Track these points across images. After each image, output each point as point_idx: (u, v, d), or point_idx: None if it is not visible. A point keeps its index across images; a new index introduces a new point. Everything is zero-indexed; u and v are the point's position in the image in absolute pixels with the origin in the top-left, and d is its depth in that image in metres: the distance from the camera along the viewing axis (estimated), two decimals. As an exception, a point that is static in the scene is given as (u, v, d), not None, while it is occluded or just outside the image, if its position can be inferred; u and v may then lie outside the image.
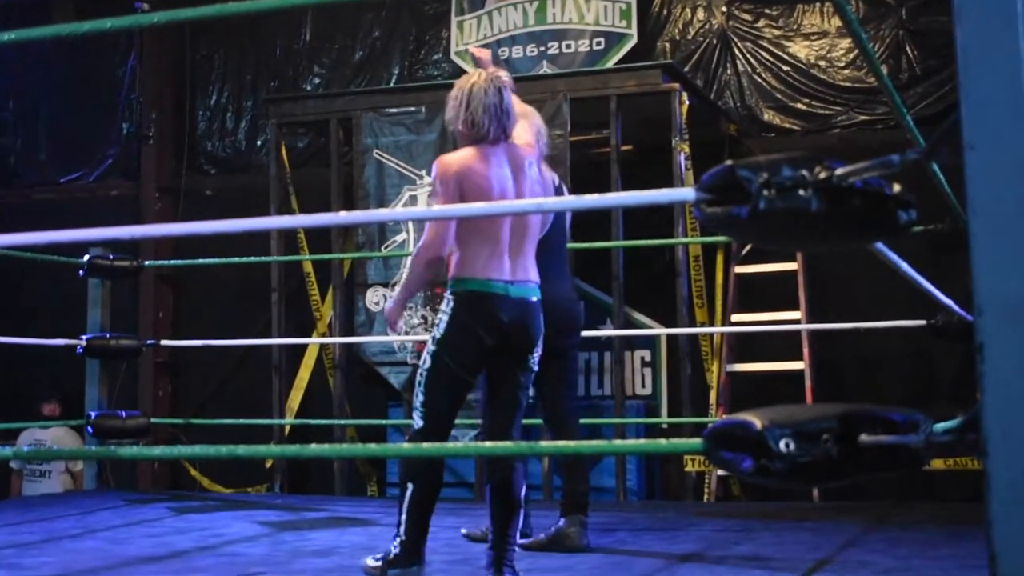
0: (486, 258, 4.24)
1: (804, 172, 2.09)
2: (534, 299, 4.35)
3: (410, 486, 4.24)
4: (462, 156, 4.35)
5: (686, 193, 2.19)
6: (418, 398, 4.28)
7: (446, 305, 4.27)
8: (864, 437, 2.08)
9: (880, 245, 2.83)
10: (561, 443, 2.19)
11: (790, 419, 2.09)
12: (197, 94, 10.52)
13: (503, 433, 4.25)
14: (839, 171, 2.07)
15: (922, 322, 6.29)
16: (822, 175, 2.08)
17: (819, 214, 2.09)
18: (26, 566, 4.69)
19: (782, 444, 2.05)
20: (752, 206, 2.07)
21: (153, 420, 8.16)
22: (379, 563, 4.34)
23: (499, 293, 4.23)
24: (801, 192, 2.07)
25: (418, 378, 4.32)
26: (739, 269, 8.45)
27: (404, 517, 4.26)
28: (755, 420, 2.09)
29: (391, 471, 8.84)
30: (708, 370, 8.25)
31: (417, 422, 4.26)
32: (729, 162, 2.13)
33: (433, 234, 4.30)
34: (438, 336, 4.25)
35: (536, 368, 4.38)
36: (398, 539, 4.29)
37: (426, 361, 4.27)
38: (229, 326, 8.88)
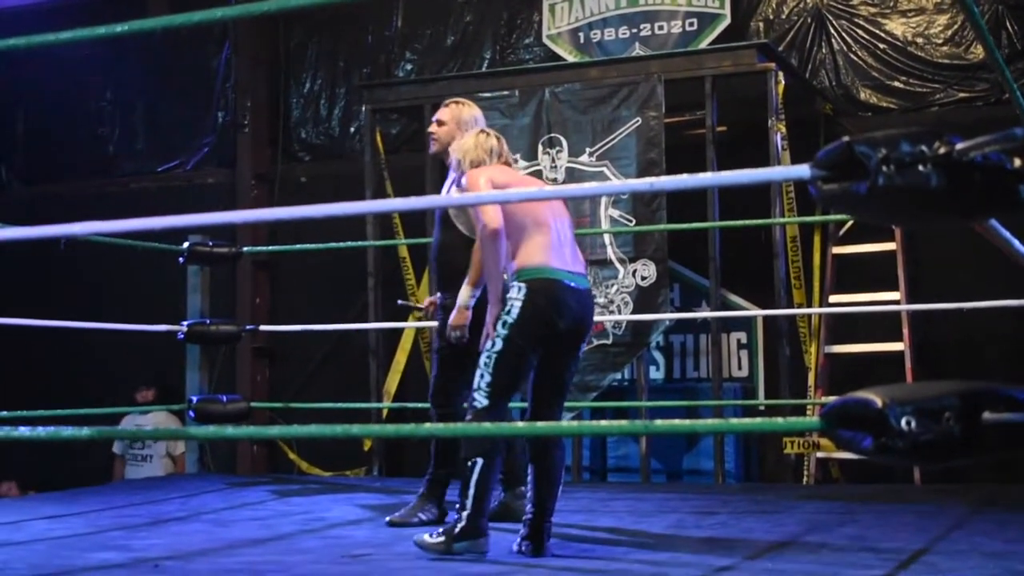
0: (547, 248, 4.53)
1: (923, 147, 2.06)
2: (587, 288, 4.65)
3: (478, 462, 4.45)
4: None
5: (801, 170, 2.17)
6: (483, 379, 4.51)
7: (517, 292, 4.50)
8: (987, 415, 2.05)
9: (993, 222, 2.79)
10: (653, 422, 2.16)
11: (911, 397, 2.06)
12: (291, 82, 10.61)
13: (552, 415, 4.61)
14: (959, 146, 2.05)
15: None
16: (942, 150, 2.06)
17: (938, 190, 2.06)
18: (135, 548, 4.76)
19: (903, 422, 2.03)
20: (871, 183, 2.04)
21: (252, 404, 8.26)
22: (441, 538, 4.51)
23: (566, 281, 4.52)
24: (920, 168, 2.05)
25: (484, 360, 4.52)
26: (837, 249, 8.36)
27: (472, 492, 4.47)
28: (876, 398, 2.06)
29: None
30: (806, 352, 8.17)
31: (481, 401, 4.49)
32: (846, 138, 2.10)
33: (491, 212, 4.62)
34: (511, 320, 4.48)
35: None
36: (465, 512, 4.48)
37: (496, 344, 4.49)
38: (325, 311, 8.95)
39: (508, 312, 4.48)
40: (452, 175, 5.35)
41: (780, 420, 2.15)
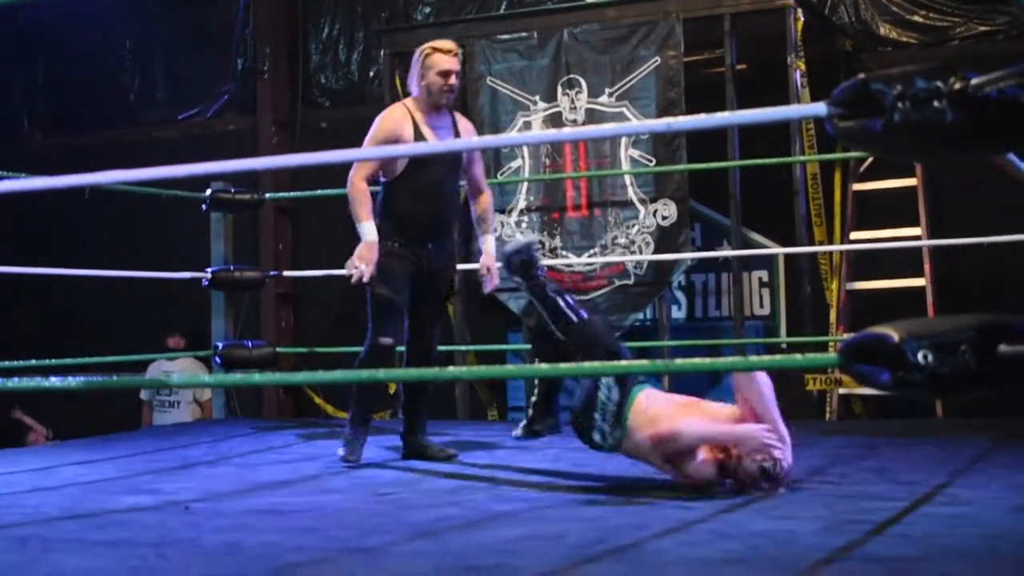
0: None
1: (939, 83, 2.07)
2: None
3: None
4: None
5: (817, 108, 2.18)
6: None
7: None
8: (1004, 347, 2.07)
9: (1012, 156, 2.79)
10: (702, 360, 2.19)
11: (928, 331, 2.09)
12: (309, 27, 10.59)
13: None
14: (974, 81, 2.05)
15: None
16: (957, 86, 2.07)
17: (954, 125, 2.08)
18: (166, 491, 4.83)
19: (920, 356, 2.06)
20: (887, 119, 2.06)
21: (278, 349, 8.32)
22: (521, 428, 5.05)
23: None
24: (936, 103, 2.06)
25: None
26: (857, 186, 8.35)
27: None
28: (892, 333, 2.09)
29: (512, 395, 8.92)
30: (828, 289, 8.18)
31: None
32: (862, 75, 2.12)
33: None
34: None
35: None
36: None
37: None
38: (347, 256, 8.96)
39: None
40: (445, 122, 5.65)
41: (799, 357, 2.18)
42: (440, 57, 5.57)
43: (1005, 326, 2.11)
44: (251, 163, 3.13)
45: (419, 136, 5.54)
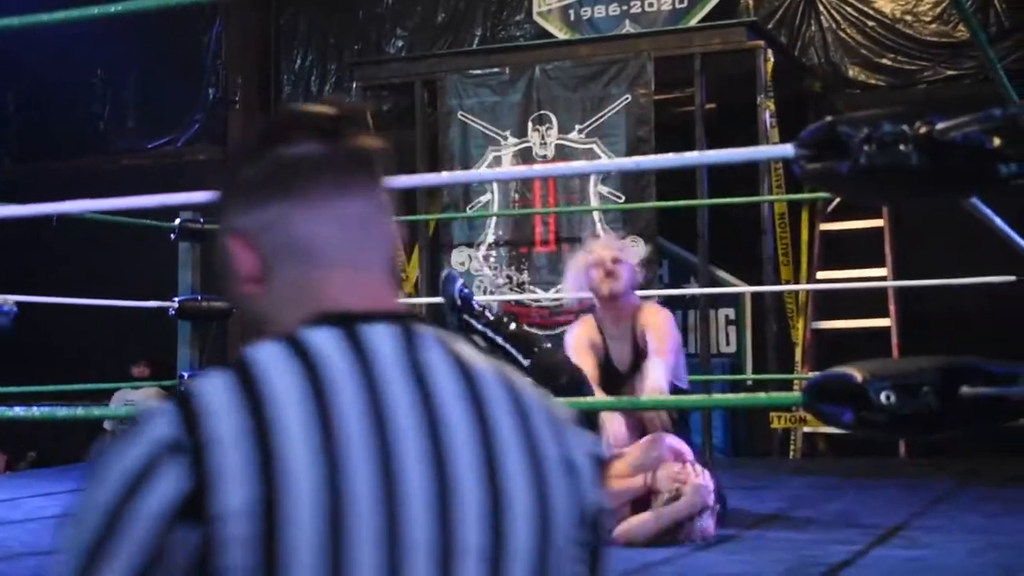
0: None
1: (904, 127, 2.10)
2: None
3: None
4: None
5: (785, 150, 2.21)
6: None
7: None
8: (965, 389, 2.10)
9: (976, 200, 2.82)
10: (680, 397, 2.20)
11: (890, 372, 2.11)
12: (282, 58, 10.61)
13: None
14: (940, 126, 2.08)
15: (1012, 278, 6.23)
16: (922, 130, 2.09)
17: (919, 169, 2.10)
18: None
19: (883, 396, 2.07)
20: (853, 161, 2.08)
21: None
22: None
23: None
24: (901, 147, 2.08)
25: None
26: (825, 226, 8.41)
27: None
28: (855, 372, 2.11)
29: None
30: (793, 327, 8.22)
31: None
32: (829, 118, 2.14)
33: None
34: None
35: None
36: None
37: None
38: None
39: None
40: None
41: (763, 395, 2.19)
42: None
43: (967, 368, 2.14)
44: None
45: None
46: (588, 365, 4.50)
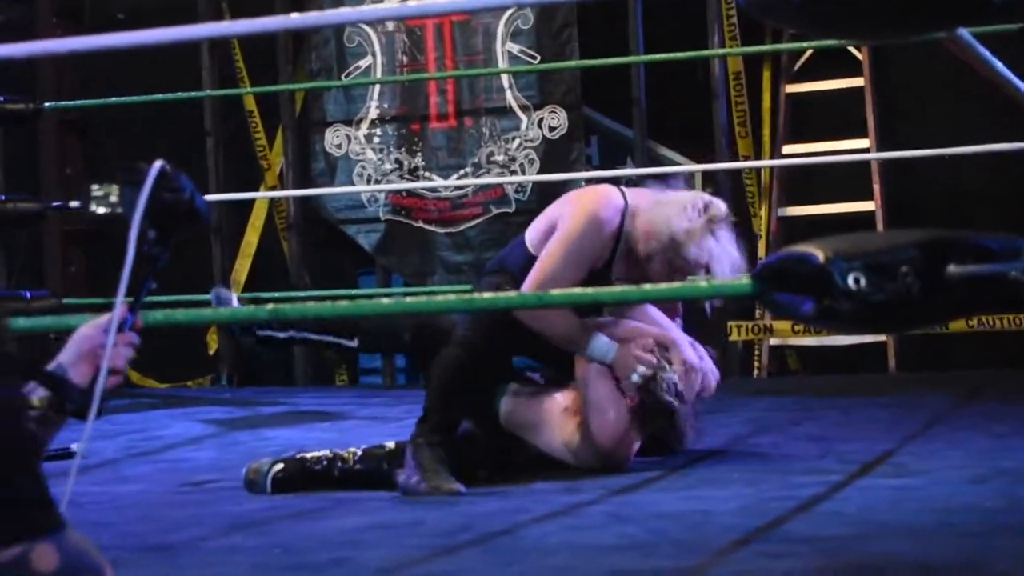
0: None
1: None
2: None
3: None
4: None
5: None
6: None
7: None
8: (952, 268, 2.07)
9: (964, 34, 2.79)
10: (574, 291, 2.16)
11: (860, 249, 2.08)
12: None
13: None
14: None
15: (1021, 145, 6.26)
16: None
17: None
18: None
19: (851, 280, 2.05)
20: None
21: (65, 301, 8.18)
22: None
23: None
24: None
25: None
26: (791, 88, 8.38)
27: None
28: (816, 252, 2.09)
29: (366, 357, 8.87)
30: (755, 216, 8.23)
31: None
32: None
33: None
34: None
35: None
36: None
37: None
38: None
39: None
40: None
41: (703, 283, 2.17)
42: None
43: (955, 243, 2.11)
44: (18, 48, 3.02)
45: None
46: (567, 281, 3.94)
